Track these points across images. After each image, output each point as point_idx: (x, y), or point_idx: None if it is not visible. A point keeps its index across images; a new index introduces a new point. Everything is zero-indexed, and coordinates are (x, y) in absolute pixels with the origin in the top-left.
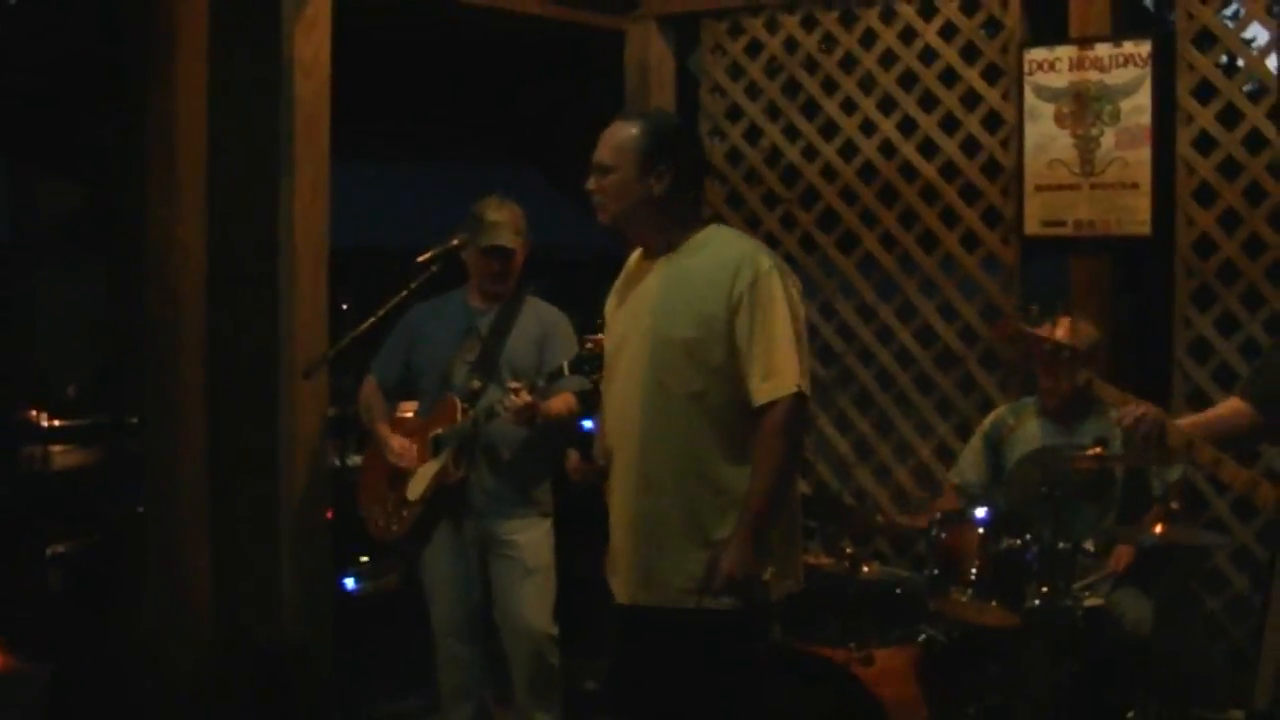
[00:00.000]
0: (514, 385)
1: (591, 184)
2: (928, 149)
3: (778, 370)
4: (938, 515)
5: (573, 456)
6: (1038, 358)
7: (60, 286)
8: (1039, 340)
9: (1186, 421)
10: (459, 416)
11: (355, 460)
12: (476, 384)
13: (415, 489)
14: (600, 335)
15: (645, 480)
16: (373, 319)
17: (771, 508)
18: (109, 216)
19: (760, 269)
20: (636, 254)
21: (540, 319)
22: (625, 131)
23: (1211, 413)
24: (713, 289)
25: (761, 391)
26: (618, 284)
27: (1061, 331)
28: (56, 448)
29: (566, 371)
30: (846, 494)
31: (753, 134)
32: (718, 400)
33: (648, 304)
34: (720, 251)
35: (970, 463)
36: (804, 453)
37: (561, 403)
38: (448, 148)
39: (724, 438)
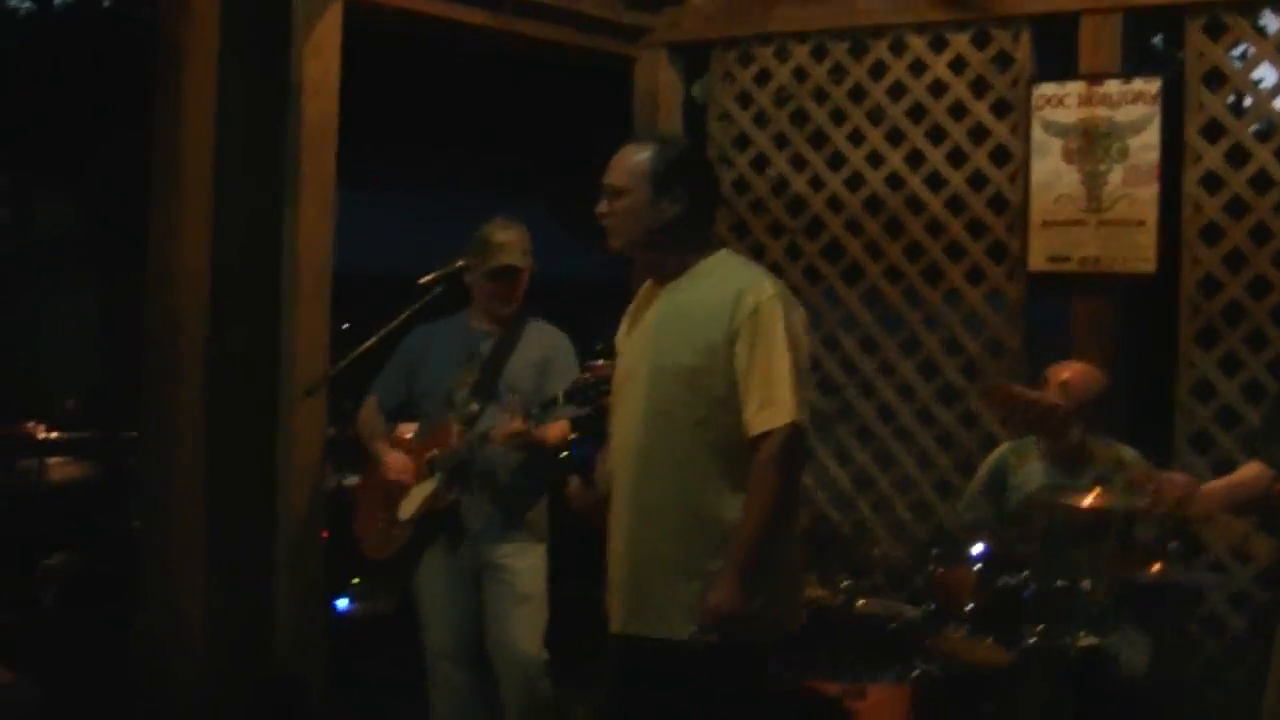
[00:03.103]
0: (509, 411)
1: (603, 207)
2: (935, 182)
3: (774, 400)
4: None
5: (573, 483)
6: (1031, 421)
7: (58, 302)
8: (1030, 404)
9: (1209, 487)
10: (455, 440)
11: (353, 481)
12: (475, 407)
13: (407, 509)
14: (600, 362)
15: (642, 509)
16: (374, 339)
17: (762, 542)
18: (104, 234)
19: (762, 296)
20: (649, 282)
21: (542, 342)
22: (639, 155)
23: (1235, 477)
24: (715, 317)
25: (757, 421)
26: (630, 310)
27: (1057, 382)
28: (53, 460)
29: (561, 401)
30: (845, 526)
31: (759, 163)
32: (719, 430)
33: (651, 331)
34: (724, 279)
35: (974, 501)
36: (799, 485)
37: (556, 430)
38: (453, 179)
39: (724, 468)
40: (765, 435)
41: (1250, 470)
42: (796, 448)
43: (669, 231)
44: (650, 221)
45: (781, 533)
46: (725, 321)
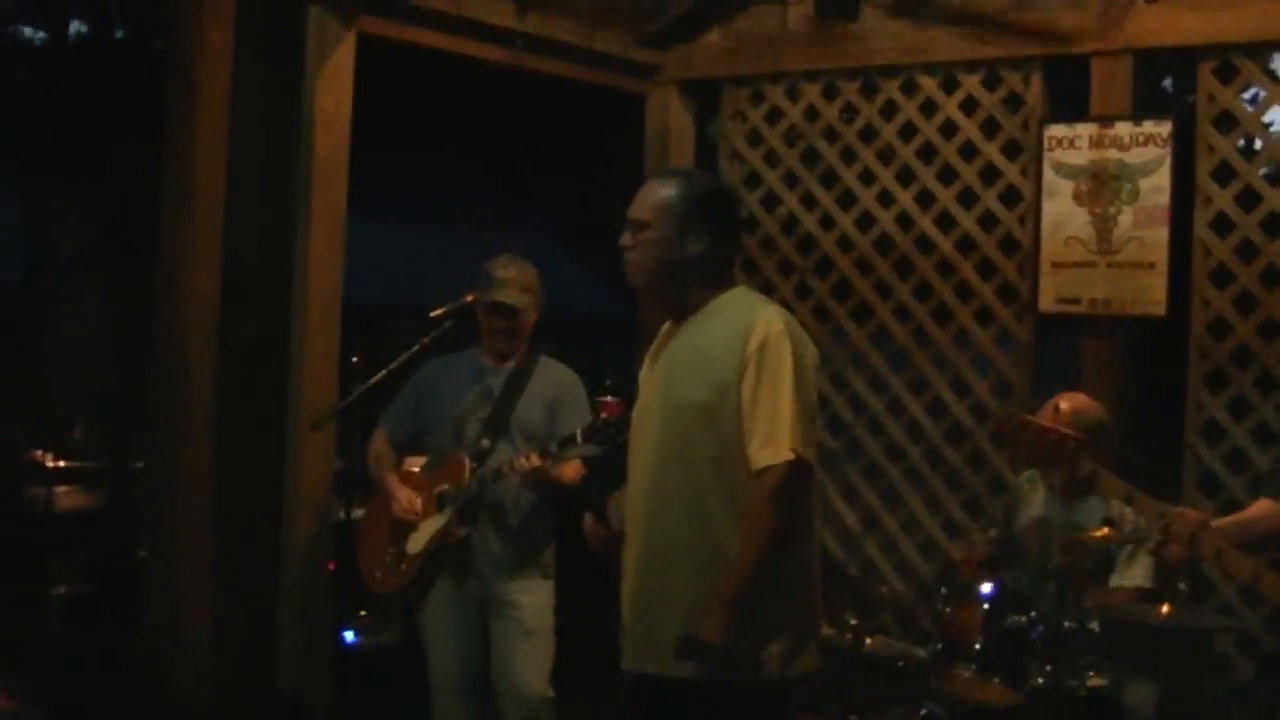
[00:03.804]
0: (526, 450)
1: (626, 240)
2: (945, 222)
3: (776, 436)
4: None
5: (587, 520)
6: (1042, 450)
7: (71, 320)
8: (1044, 433)
9: (1219, 524)
10: (466, 475)
11: (360, 514)
12: (486, 443)
13: (416, 543)
14: (610, 399)
15: (653, 545)
16: (383, 373)
17: (752, 576)
18: (122, 255)
19: (771, 332)
20: (669, 323)
21: (553, 381)
22: (665, 190)
23: (1245, 514)
24: (726, 353)
25: (759, 457)
26: (651, 349)
27: (1064, 406)
28: (61, 489)
29: (580, 440)
30: (852, 565)
31: (770, 201)
32: (730, 467)
33: (666, 368)
34: (737, 315)
35: (998, 529)
36: (809, 524)
37: (571, 469)
38: (467, 213)
39: (735, 506)
40: (766, 470)
41: (1261, 506)
42: (796, 484)
43: (690, 268)
44: (673, 258)
45: (783, 570)
46: (735, 357)
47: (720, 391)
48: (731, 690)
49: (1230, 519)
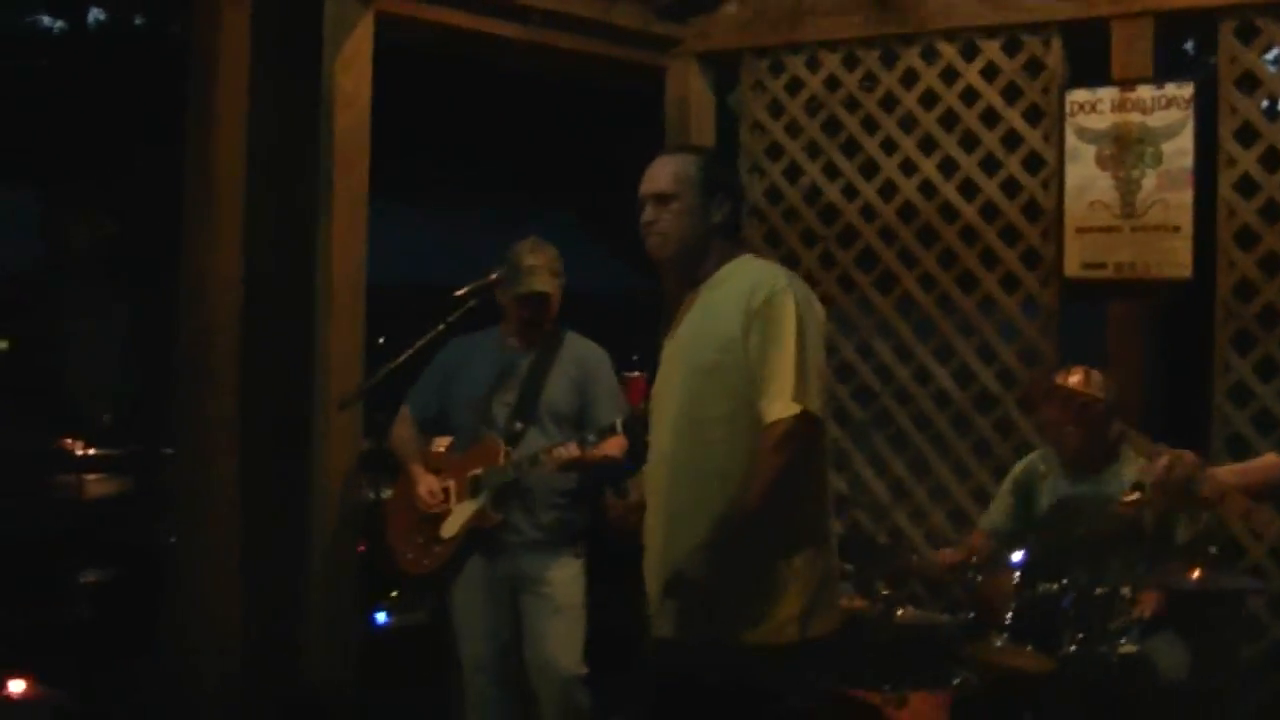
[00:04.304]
0: (560, 438)
1: (650, 214)
2: (968, 190)
3: (784, 390)
4: (972, 559)
5: (607, 494)
6: (1074, 413)
7: (91, 316)
8: (1073, 395)
9: (1226, 470)
10: (500, 459)
11: (389, 494)
12: (518, 426)
13: (450, 527)
14: (637, 374)
15: (675, 512)
16: (409, 352)
17: (749, 521)
18: (142, 247)
19: (775, 288)
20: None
21: (579, 359)
22: (682, 162)
23: (1251, 464)
24: (733, 312)
25: (768, 411)
26: (674, 323)
27: (1076, 380)
28: (90, 476)
29: (620, 430)
30: (882, 535)
31: (792, 172)
32: (744, 425)
33: (683, 337)
34: (744, 278)
35: (999, 509)
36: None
37: (615, 445)
38: (486, 192)
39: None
40: (774, 424)
41: (1269, 458)
42: (802, 436)
43: (712, 236)
44: (699, 227)
45: (792, 528)
46: (740, 315)
47: (727, 350)
48: (750, 651)
49: (1237, 466)
